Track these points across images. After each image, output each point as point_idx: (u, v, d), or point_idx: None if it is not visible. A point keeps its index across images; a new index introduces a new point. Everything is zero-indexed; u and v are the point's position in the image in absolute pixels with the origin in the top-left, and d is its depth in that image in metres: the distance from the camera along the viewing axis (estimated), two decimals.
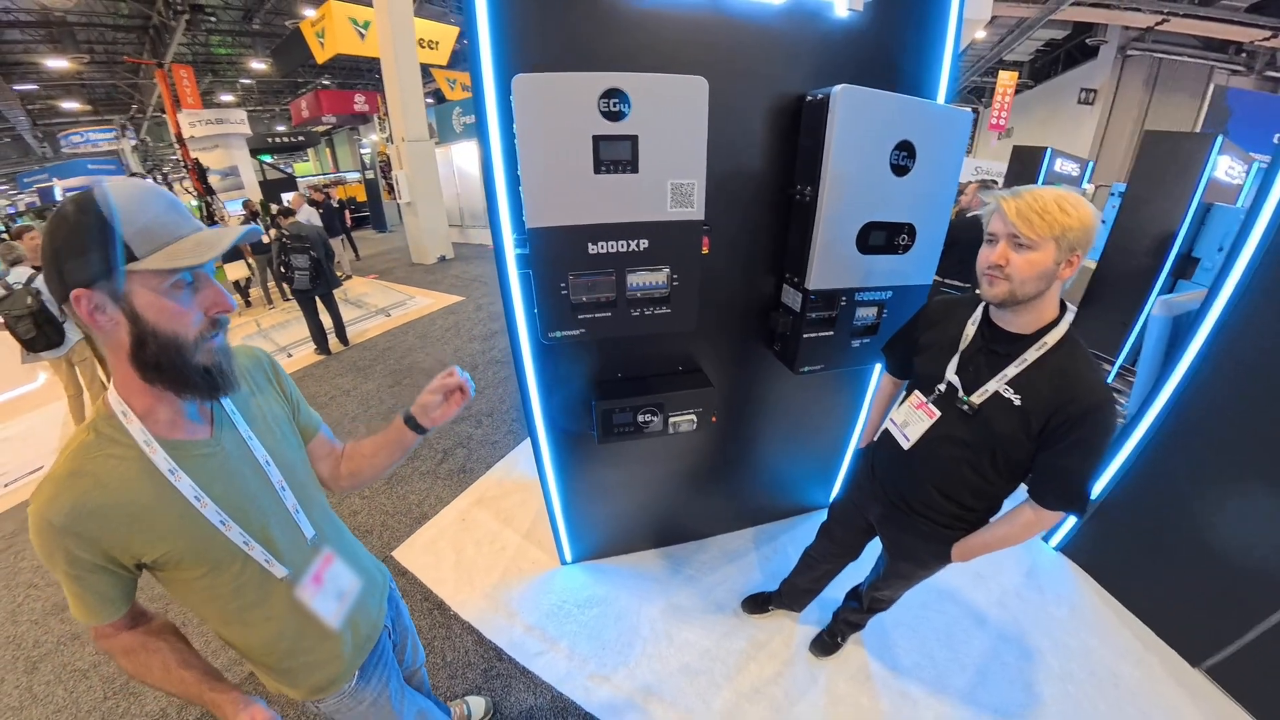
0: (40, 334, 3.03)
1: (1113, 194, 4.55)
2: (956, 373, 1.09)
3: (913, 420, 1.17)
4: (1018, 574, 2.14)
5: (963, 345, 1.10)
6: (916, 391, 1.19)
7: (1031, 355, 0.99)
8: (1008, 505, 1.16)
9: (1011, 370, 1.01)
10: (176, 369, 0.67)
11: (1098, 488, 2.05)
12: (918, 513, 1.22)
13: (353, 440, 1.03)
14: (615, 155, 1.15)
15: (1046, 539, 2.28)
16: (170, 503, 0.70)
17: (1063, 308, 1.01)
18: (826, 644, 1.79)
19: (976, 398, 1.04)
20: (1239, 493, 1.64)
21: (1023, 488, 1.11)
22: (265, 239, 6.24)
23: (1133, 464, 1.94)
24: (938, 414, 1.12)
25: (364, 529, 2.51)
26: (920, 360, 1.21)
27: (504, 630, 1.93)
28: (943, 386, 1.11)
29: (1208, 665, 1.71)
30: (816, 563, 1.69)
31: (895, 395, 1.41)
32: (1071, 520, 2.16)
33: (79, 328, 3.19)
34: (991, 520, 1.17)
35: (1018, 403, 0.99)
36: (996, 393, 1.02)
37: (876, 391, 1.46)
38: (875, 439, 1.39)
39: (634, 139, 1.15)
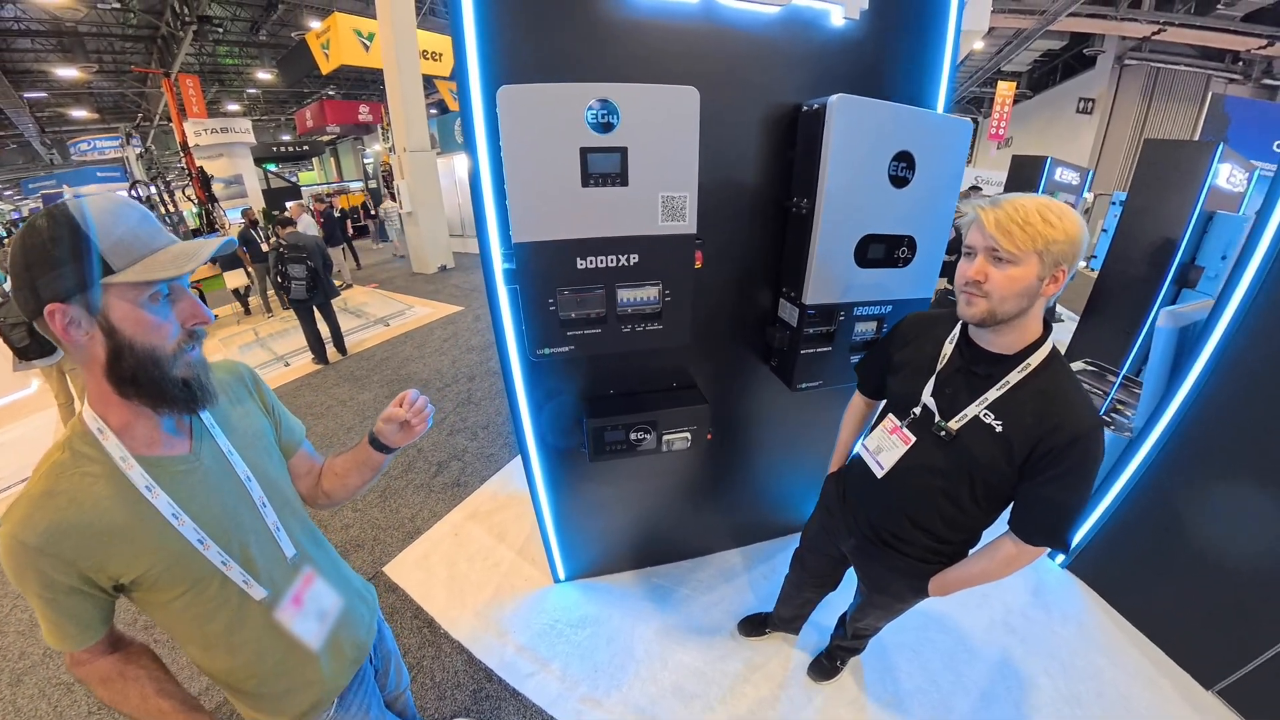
0: (34, 342, 3.03)
1: (1113, 202, 4.53)
2: (933, 395, 1.02)
3: (886, 446, 1.10)
4: (1024, 592, 2.09)
5: (940, 365, 1.03)
6: (890, 415, 1.12)
7: (1014, 378, 0.92)
8: (986, 537, 1.09)
9: (992, 394, 0.94)
10: (154, 382, 0.66)
11: (1096, 513, 2.01)
12: (890, 545, 1.15)
13: (332, 455, 1.01)
14: (604, 168, 1.13)
15: (1053, 556, 2.23)
16: (147, 521, 0.68)
17: (1046, 327, 0.94)
18: (825, 668, 1.73)
19: (954, 423, 0.97)
20: (1251, 508, 1.59)
21: (1002, 519, 1.05)
22: (264, 247, 6.28)
23: (1140, 478, 1.90)
24: (913, 440, 1.05)
25: (355, 543, 2.46)
26: (895, 381, 1.13)
27: (495, 650, 1.88)
28: (918, 410, 1.04)
29: (1221, 687, 1.65)
30: (796, 591, 1.63)
31: (868, 416, 1.34)
32: (1079, 536, 2.11)
33: (53, 342, 3.18)
34: (970, 553, 1.10)
35: (999, 429, 0.92)
36: (976, 418, 0.95)
37: (846, 412, 1.37)
38: (847, 464, 1.31)
39: (623, 151, 1.13)
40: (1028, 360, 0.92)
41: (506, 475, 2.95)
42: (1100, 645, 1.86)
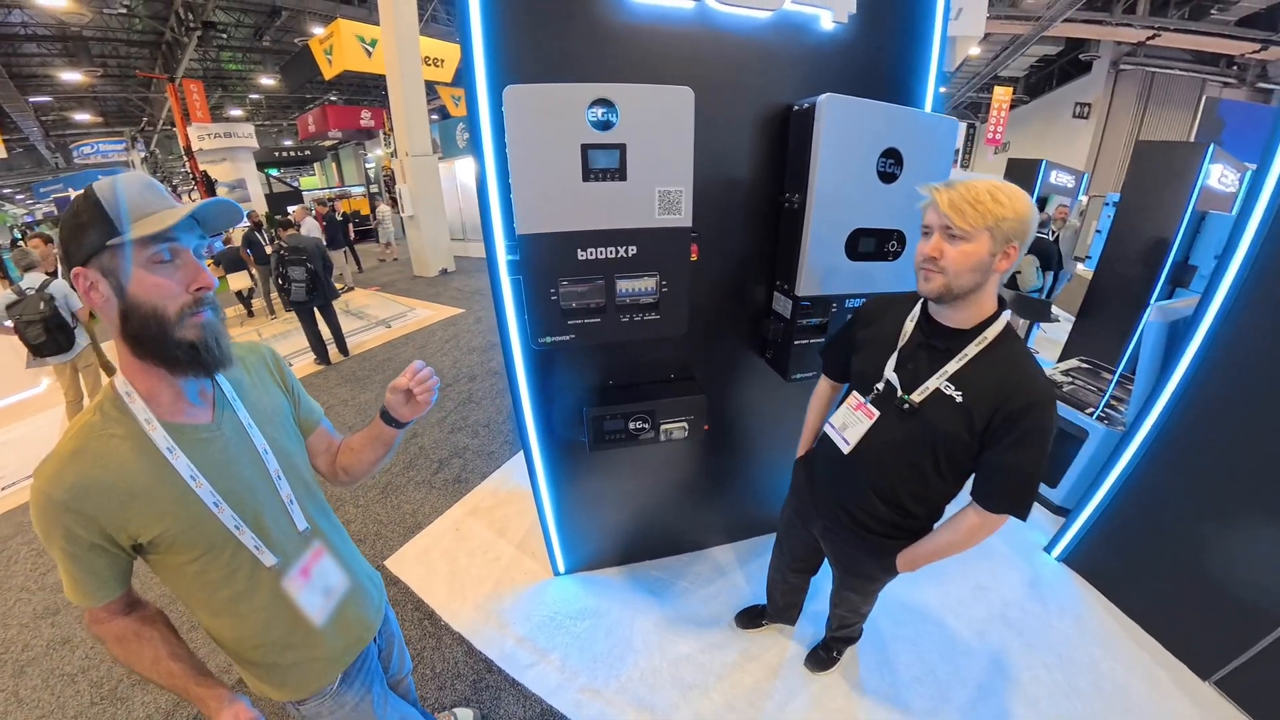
0: (50, 339, 3.07)
1: (1107, 203, 4.58)
2: (895, 370, 1.06)
3: (851, 422, 1.13)
4: (1020, 585, 2.10)
5: (901, 342, 1.07)
6: (854, 393, 1.16)
7: (972, 350, 0.97)
8: (950, 511, 1.13)
9: (952, 366, 0.98)
10: (158, 342, 0.69)
11: (1090, 506, 2.03)
12: (859, 521, 1.18)
13: (348, 434, 1.06)
14: (603, 163, 1.17)
15: (1049, 549, 2.25)
16: (167, 481, 0.72)
17: (1001, 303, 0.99)
18: (821, 658, 1.75)
19: (917, 395, 1.01)
20: (1242, 499, 1.61)
21: (964, 495, 1.09)
22: (268, 250, 6.34)
23: (1133, 470, 1.92)
24: (877, 414, 1.09)
25: (357, 538, 2.49)
26: (858, 359, 1.17)
27: (495, 641, 1.90)
28: (881, 385, 1.08)
29: (1218, 678, 1.66)
30: (781, 575, 1.65)
31: (833, 400, 1.38)
32: (1074, 529, 2.14)
33: (83, 321, 3.26)
34: (935, 527, 1.14)
35: (959, 399, 0.96)
36: (937, 390, 0.99)
37: (812, 397, 1.41)
38: (814, 447, 1.35)
39: (622, 147, 1.17)
40: (984, 334, 0.97)
41: (507, 472, 2.98)
42: (1097, 637, 1.87)
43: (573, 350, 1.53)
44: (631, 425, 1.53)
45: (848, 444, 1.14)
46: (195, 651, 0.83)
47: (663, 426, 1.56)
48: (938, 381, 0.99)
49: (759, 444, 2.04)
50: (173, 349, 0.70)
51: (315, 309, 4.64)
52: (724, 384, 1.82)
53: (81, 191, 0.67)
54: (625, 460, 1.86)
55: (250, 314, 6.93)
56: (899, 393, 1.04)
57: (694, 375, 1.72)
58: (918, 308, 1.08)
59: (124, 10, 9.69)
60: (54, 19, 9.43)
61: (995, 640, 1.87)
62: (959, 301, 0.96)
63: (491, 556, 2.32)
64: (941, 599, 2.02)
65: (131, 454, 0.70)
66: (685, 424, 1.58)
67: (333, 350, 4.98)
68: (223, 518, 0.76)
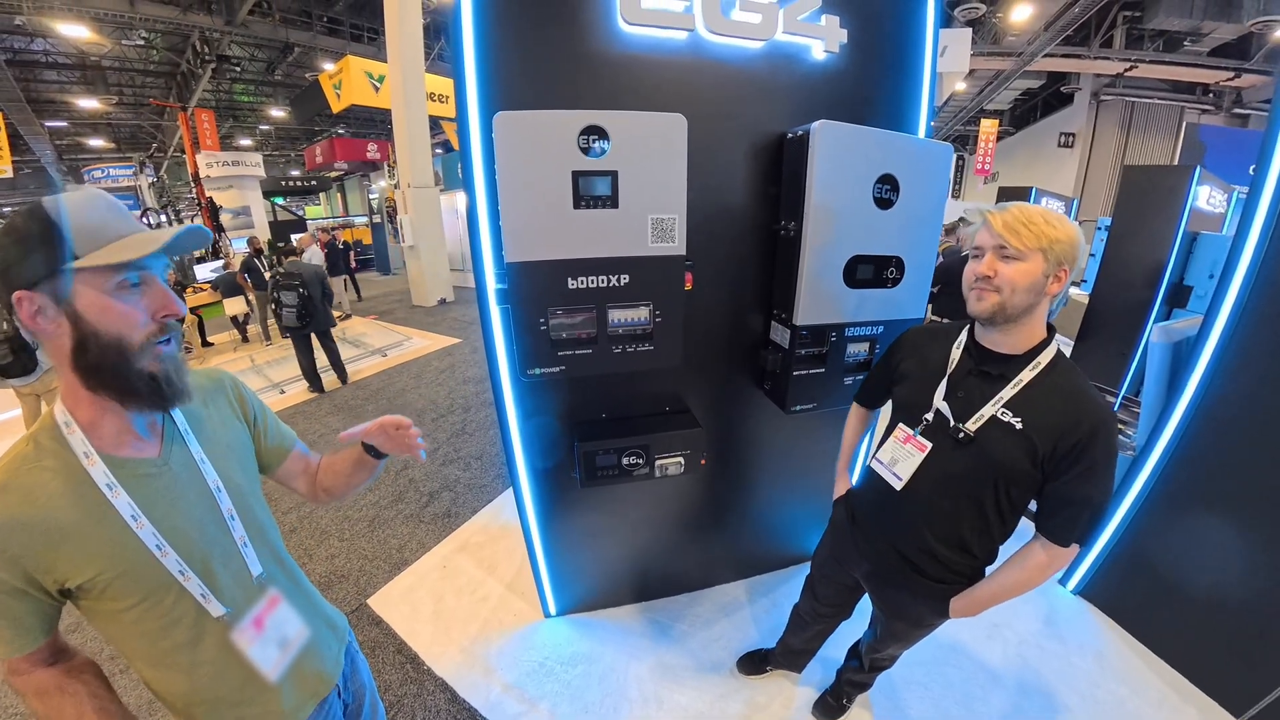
0: (15, 360, 2.92)
1: (1099, 227, 4.63)
2: (945, 399, 1.02)
3: (902, 457, 1.08)
4: (1036, 621, 2.00)
5: (950, 369, 1.04)
6: (901, 425, 1.10)
7: (1027, 375, 0.94)
8: (1003, 555, 1.06)
9: (1008, 392, 0.95)
10: (119, 374, 0.64)
11: (1105, 534, 1.95)
12: (911, 564, 1.11)
13: (329, 454, 1.02)
14: (595, 190, 1.15)
15: (1063, 582, 2.15)
16: (104, 521, 0.65)
17: (1050, 329, 0.97)
18: (830, 706, 1.63)
19: (972, 424, 0.97)
20: (1265, 521, 1.54)
21: (1020, 534, 1.03)
22: (266, 276, 6.37)
23: (1147, 496, 1.85)
24: (929, 446, 1.04)
25: (340, 573, 2.37)
26: (901, 390, 1.13)
27: (480, 689, 1.78)
28: (930, 415, 1.03)
29: (1252, 714, 1.56)
30: (806, 622, 1.55)
31: (865, 429, 1.35)
32: (1090, 559, 2.04)
33: (25, 335, 3.11)
34: (988, 571, 1.07)
35: (1019, 426, 0.92)
36: (994, 417, 0.95)
37: (844, 431, 1.37)
38: (855, 486, 1.29)
39: (614, 174, 1.15)
40: (1038, 359, 0.94)
41: (498, 507, 2.87)
42: (1120, 674, 1.77)
43: (563, 382, 1.48)
44: (625, 460, 1.47)
45: (900, 480, 1.08)
46: (130, 708, 0.74)
47: (658, 461, 1.49)
48: (993, 409, 0.95)
49: (760, 478, 1.97)
50: (133, 381, 0.65)
51: (312, 336, 4.62)
52: (722, 417, 1.76)
53: (26, 209, 0.61)
54: (619, 497, 1.79)
55: (245, 339, 6.90)
56: (952, 422, 1.00)
57: (688, 408, 1.66)
58: (964, 334, 1.05)
59: (142, 42, 10.06)
60: (75, 48, 9.76)
61: (1013, 681, 1.77)
62: (1010, 325, 0.94)
63: (479, 596, 2.21)
64: (954, 639, 1.91)
65: (64, 489, 0.64)
66: (681, 459, 1.51)
67: (330, 378, 4.94)
68: (166, 562, 0.69)
